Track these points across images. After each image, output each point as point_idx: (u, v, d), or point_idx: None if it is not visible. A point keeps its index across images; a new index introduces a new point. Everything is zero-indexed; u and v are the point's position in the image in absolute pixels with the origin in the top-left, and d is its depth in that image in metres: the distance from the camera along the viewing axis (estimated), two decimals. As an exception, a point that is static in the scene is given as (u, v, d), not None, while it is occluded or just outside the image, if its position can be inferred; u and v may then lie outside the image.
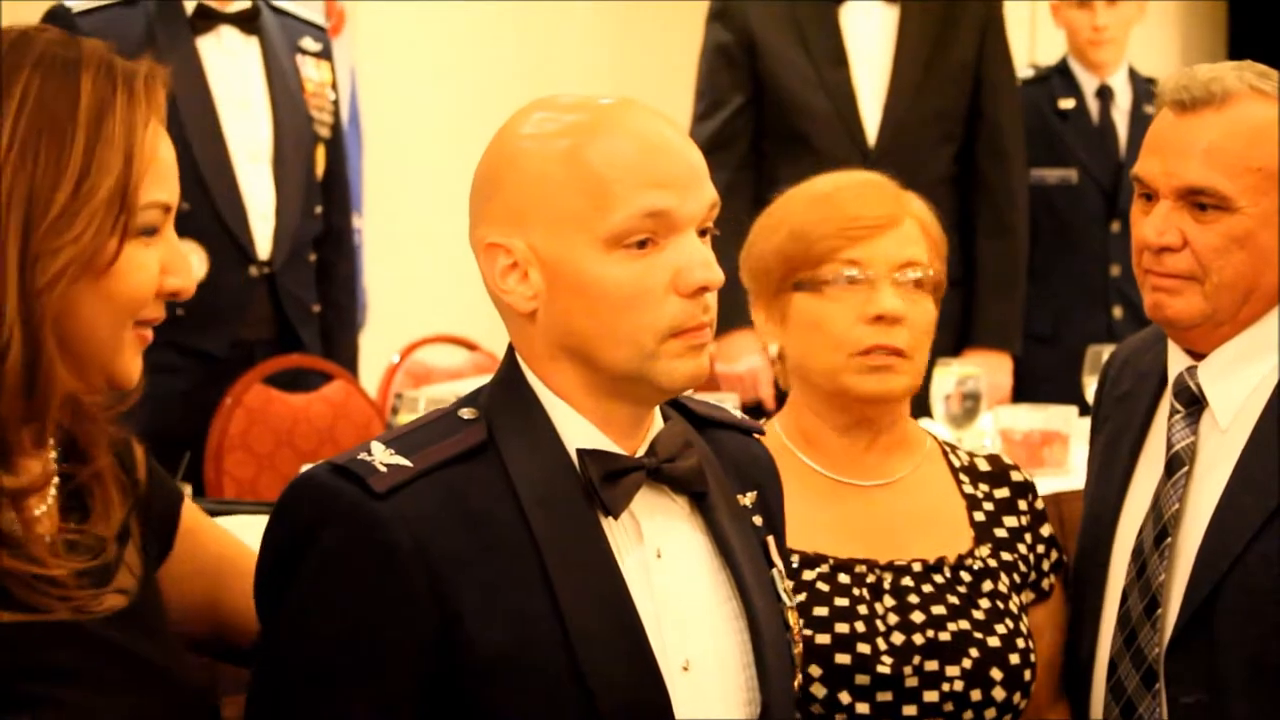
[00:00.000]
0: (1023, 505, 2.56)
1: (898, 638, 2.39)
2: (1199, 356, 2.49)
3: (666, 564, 1.97)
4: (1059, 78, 5.50)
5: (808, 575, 2.41)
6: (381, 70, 6.62)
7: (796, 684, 2.09)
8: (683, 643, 1.96)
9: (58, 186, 1.69)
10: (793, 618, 2.09)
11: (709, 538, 2.02)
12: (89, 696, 1.71)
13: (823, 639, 2.37)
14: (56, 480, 1.80)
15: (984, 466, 2.58)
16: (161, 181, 1.78)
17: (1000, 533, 2.52)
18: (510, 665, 1.86)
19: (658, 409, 2.02)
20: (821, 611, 2.38)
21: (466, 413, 1.97)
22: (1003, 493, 2.56)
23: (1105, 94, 5.41)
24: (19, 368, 1.67)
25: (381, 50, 6.63)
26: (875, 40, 4.84)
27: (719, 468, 2.07)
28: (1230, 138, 2.40)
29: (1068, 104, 5.44)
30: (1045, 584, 2.56)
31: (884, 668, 2.37)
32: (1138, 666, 2.43)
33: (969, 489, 2.54)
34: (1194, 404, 2.48)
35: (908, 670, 2.37)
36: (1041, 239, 5.27)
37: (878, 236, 2.43)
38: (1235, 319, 2.45)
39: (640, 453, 1.97)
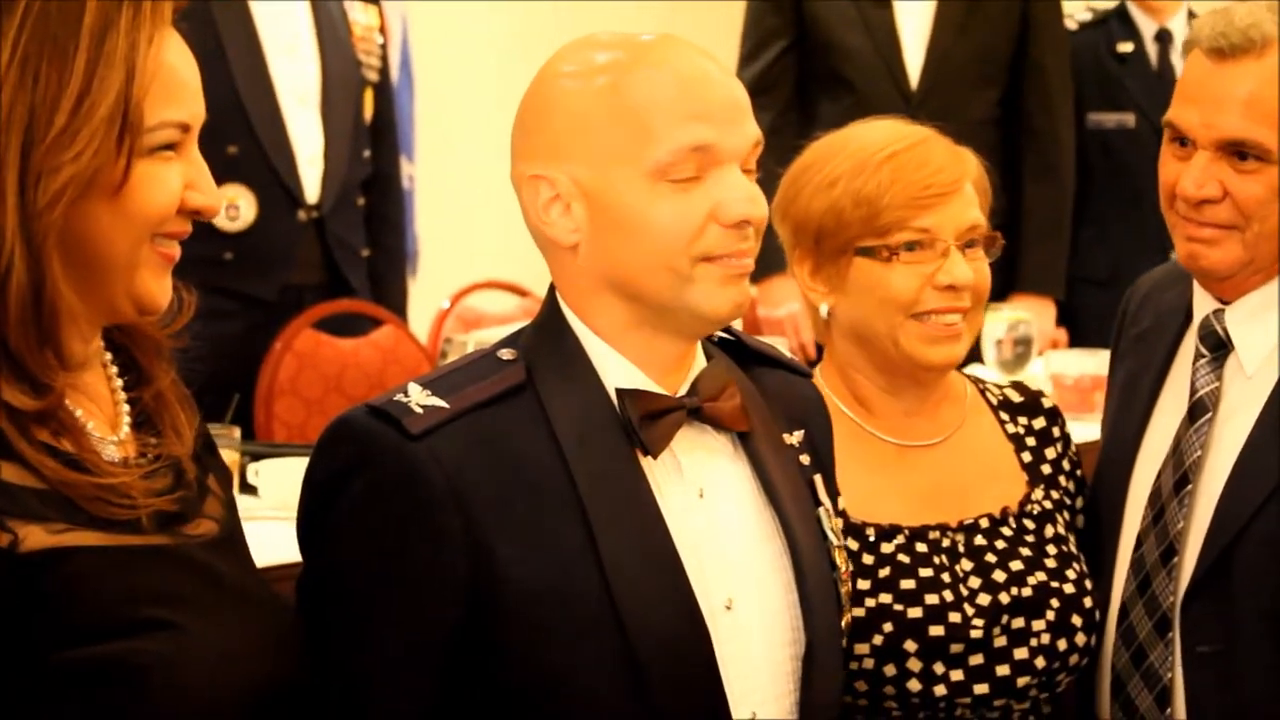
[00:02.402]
0: (1056, 432, 2.55)
1: (984, 599, 2.38)
2: (1225, 300, 2.45)
3: (709, 503, 1.97)
4: (1117, 21, 5.44)
5: (886, 548, 2.39)
6: (433, 16, 6.60)
7: (845, 622, 2.08)
8: (725, 582, 1.95)
9: (58, 104, 1.67)
10: (840, 556, 2.07)
11: (753, 476, 2.01)
12: (197, 621, 1.72)
13: (915, 613, 2.35)
14: (128, 408, 1.81)
15: (1016, 398, 2.57)
16: (173, 99, 1.74)
17: (1046, 469, 2.51)
18: (547, 605, 1.86)
19: (700, 349, 2.01)
20: (909, 585, 2.37)
21: (505, 354, 1.96)
22: (1039, 422, 2.55)
23: (1164, 37, 5.35)
24: (24, 288, 1.67)
25: (434, -4, 6.62)
26: None
27: (764, 406, 2.06)
28: (1271, 87, 2.35)
29: (1126, 48, 5.38)
30: (1079, 521, 2.55)
31: (976, 632, 2.36)
32: (1151, 614, 2.41)
33: (1011, 428, 2.53)
34: (1219, 348, 2.45)
35: (996, 631, 2.37)
36: (1098, 183, 5.23)
37: (945, 203, 2.39)
38: (1271, 267, 2.42)
39: (682, 392, 1.96)
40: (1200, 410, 2.44)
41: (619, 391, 1.93)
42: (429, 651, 1.87)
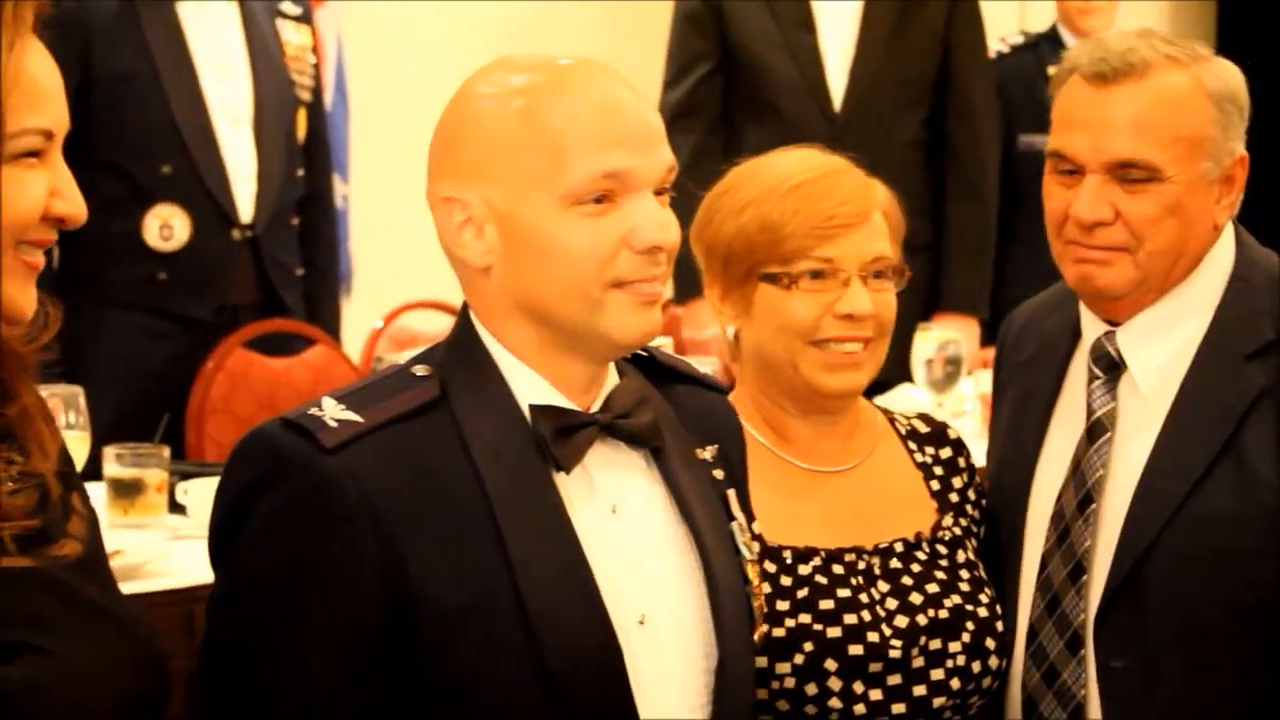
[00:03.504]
0: (962, 462, 2.59)
1: (902, 620, 2.41)
2: (1116, 321, 2.49)
3: (622, 519, 1.98)
4: (1048, 44, 5.49)
5: (803, 570, 2.41)
6: (368, 36, 6.60)
7: (758, 636, 2.10)
8: (639, 597, 1.96)
9: None
10: (753, 571, 2.09)
11: (666, 492, 2.02)
12: (64, 644, 1.72)
13: (834, 632, 2.38)
14: None
15: (923, 428, 2.60)
16: (36, 107, 1.75)
17: (954, 497, 2.55)
18: (462, 620, 1.87)
19: (613, 366, 2.02)
20: (827, 605, 2.39)
21: (420, 369, 1.97)
22: (946, 452, 2.58)
23: (1094, 60, 5.39)
24: None
25: (368, 16, 6.62)
26: (843, 5, 4.82)
27: (678, 422, 2.07)
28: (1155, 108, 2.41)
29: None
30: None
31: (895, 652, 2.39)
32: (1061, 632, 2.45)
33: (919, 456, 2.56)
34: (1113, 369, 2.49)
35: (914, 652, 2.40)
36: (1028, 204, 5.22)
37: (849, 234, 2.43)
38: (1162, 285, 2.46)
39: (595, 409, 1.98)
40: (1099, 430, 2.48)
41: (532, 408, 1.94)
42: (347, 663, 1.87)
